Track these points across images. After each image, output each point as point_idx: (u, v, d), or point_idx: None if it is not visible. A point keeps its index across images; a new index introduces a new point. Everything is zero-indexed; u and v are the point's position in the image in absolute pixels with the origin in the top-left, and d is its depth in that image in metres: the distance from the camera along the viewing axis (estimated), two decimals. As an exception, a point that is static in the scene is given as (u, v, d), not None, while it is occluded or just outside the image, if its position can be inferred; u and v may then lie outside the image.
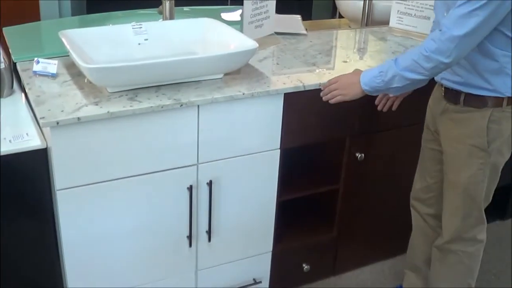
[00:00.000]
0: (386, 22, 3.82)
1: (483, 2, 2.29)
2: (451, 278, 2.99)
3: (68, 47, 2.54)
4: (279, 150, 2.88)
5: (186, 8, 3.90)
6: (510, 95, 2.55)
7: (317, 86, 2.80)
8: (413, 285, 3.30)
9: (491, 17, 2.34)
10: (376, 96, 2.87)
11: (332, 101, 2.74)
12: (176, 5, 3.14)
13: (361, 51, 3.50)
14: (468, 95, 2.60)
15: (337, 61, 3.18)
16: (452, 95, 2.67)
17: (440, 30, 2.41)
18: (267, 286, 3.25)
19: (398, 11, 3.75)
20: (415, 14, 3.69)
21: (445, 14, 2.55)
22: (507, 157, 2.73)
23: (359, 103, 2.90)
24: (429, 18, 3.65)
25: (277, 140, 2.85)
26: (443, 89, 2.72)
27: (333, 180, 3.23)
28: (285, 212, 3.15)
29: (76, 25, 3.72)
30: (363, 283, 3.53)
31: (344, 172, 3.19)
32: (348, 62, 3.15)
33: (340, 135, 3.09)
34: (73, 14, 4.63)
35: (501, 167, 2.75)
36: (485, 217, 2.85)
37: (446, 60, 2.40)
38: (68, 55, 2.57)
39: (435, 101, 2.83)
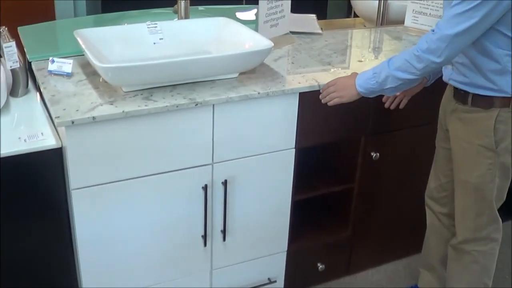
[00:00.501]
0: (401, 22, 3.81)
1: (477, 2, 2.30)
2: (467, 278, 2.98)
3: (83, 46, 2.54)
4: (294, 150, 2.87)
5: (201, 8, 3.90)
6: None
7: (333, 86, 2.79)
8: (428, 284, 3.30)
9: (485, 18, 2.34)
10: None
11: (330, 103, 2.75)
12: (191, 4, 3.14)
13: (376, 50, 3.49)
14: (475, 95, 2.61)
15: (352, 60, 3.18)
16: (460, 95, 2.68)
17: (433, 30, 2.43)
18: (282, 286, 3.25)
19: (413, 10, 3.74)
20: (430, 14, 3.68)
21: None
22: None
23: (373, 103, 2.91)
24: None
25: (292, 140, 2.84)
26: (452, 89, 2.73)
27: (348, 179, 3.23)
28: (300, 211, 3.14)
29: (91, 25, 3.72)
30: (378, 283, 3.52)
31: (359, 172, 3.19)
32: (363, 62, 3.14)
33: (355, 135, 3.08)
34: (88, 14, 4.64)
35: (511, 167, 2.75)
36: (499, 216, 2.85)
37: (437, 60, 2.42)
38: (83, 55, 2.57)
39: (446, 100, 2.83)
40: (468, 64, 2.57)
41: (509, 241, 3.63)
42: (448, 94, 2.82)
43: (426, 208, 3.20)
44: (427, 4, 3.68)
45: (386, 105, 2.96)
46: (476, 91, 2.60)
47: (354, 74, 2.73)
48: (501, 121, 2.60)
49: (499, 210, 2.84)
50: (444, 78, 2.76)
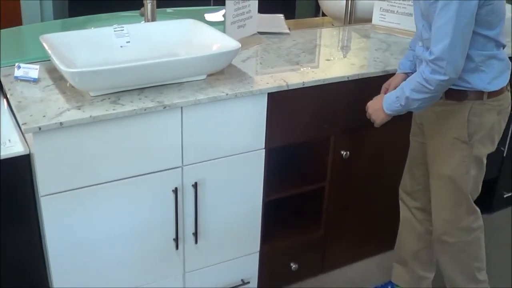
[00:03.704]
0: (369, 20, 3.82)
1: (451, 13, 2.38)
2: (458, 266, 3.04)
3: (49, 51, 2.52)
4: (264, 150, 2.87)
5: (169, 10, 3.89)
6: (488, 91, 2.63)
7: (301, 85, 2.81)
8: (401, 278, 3.34)
9: (468, 20, 2.41)
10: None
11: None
12: (159, 6, 3.13)
13: (345, 49, 3.50)
14: (449, 89, 2.65)
15: (321, 59, 3.18)
16: None
17: (430, 51, 2.49)
18: (256, 286, 3.24)
19: (380, 8, 3.75)
20: (397, 11, 3.70)
21: (420, 17, 2.66)
22: (491, 149, 2.79)
23: (343, 101, 2.92)
24: (411, 14, 3.64)
25: (261, 140, 2.84)
26: None
27: (319, 179, 3.23)
28: (272, 211, 3.14)
29: (58, 29, 3.70)
30: (351, 280, 3.53)
31: (329, 170, 3.19)
32: (332, 60, 3.14)
33: (324, 134, 3.08)
34: (55, 17, 4.61)
35: (485, 159, 2.80)
36: (476, 207, 2.89)
37: (444, 78, 2.48)
38: (50, 60, 2.55)
39: None
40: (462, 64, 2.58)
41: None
42: None
43: (400, 202, 3.23)
44: (394, 2, 3.70)
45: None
46: (450, 87, 2.64)
47: (380, 98, 2.80)
48: (475, 113, 2.66)
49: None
50: None
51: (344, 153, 3.14)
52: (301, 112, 2.90)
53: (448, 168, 2.79)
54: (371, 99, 2.94)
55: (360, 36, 3.66)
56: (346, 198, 3.37)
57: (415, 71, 2.80)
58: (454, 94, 2.67)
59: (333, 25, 4.19)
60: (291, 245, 3.32)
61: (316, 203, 3.33)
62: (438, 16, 2.43)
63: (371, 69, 3.05)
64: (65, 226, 2.52)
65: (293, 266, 3.33)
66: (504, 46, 2.67)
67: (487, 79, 2.63)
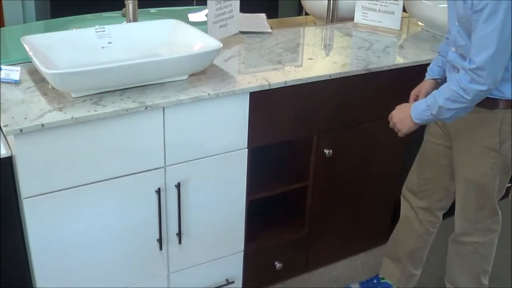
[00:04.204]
0: (351, 18, 3.84)
1: (497, 17, 2.33)
2: (468, 266, 3.08)
3: (30, 53, 2.51)
4: (246, 150, 2.87)
5: (152, 10, 3.89)
6: None
7: (283, 85, 2.81)
8: (391, 274, 3.36)
9: (507, 29, 2.35)
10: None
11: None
12: (142, 6, 3.13)
13: (327, 47, 3.50)
14: None
15: (303, 58, 3.18)
16: None
17: (469, 60, 2.45)
18: (240, 286, 3.24)
19: (362, 7, 3.77)
20: (379, 9, 3.71)
21: (456, 23, 2.60)
22: None
23: (325, 100, 2.93)
24: (393, 13, 3.68)
25: (244, 140, 2.84)
26: None
27: (302, 177, 3.24)
28: (256, 211, 3.15)
29: (40, 30, 3.69)
30: (336, 278, 3.54)
31: (312, 169, 3.20)
32: (314, 59, 3.15)
33: (307, 132, 3.09)
34: (37, 18, 4.59)
35: None
36: (498, 209, 2.93)
37: (483, 88, 2.45)
38: (32, 61, 2.54)
39: None
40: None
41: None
42: None
43: (402, 200, 3.24)
44: (376, 1, 3.71)
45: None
46: None
47: (406, 106, 2.78)
48: (505, 123, 2.66)
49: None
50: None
51: (327, 151, 3.14)
52: (284, 111, 2.91)
53: (477, 174, 2.81)
54: (354, 97, 2.96)
55: (342, 35, 3.67)
56: (330, 197, 3.37)
57: (444, 77, 2.82)
58: (485, 102, 2.61)
59: (315, 24, 4.20)
60: (275, 245, 3.33)
61: (300, 202, 3.34)
62: (483, 25, 2.37)
63: (353, 68, 3.05)
64: (48, 228, 2.51)
65: (278, 265, 3.34)
66: None
67: None
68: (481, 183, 2.82)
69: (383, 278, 3.41)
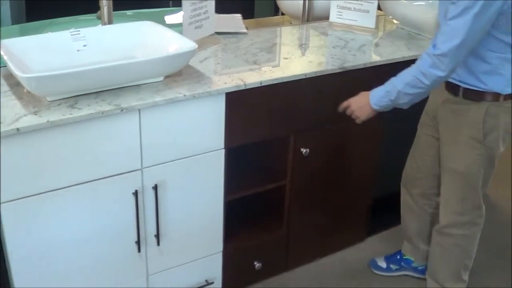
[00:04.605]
0: (327, 18, 3.85)
1: (469, 16, 2.44)
2: (448, 259, 3.19)
3: (4, 57, 2.50)
4: (223, 150, 2.87)
5: (129, 12, 3.88)
6: (505, 93, 2.71)
7: (259, 84, 2.81)
8: (410, 251, 3.55)
9: (482, 26, 2.48)
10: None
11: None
12: (118, 9, 3.12)
13: (303, 47, 3.51)
14: (466, 89, 2.76)
15: (278, 58, 3.19)
16: (451, 87, 2.84)
17: (434, 45, 2.56)
18: (220, 286, 3.25)
19: (337, 6, 3.78)
20: (354, 8, 3.73)
21: (443, 19, 2.66)
22: (503, 148, 2.89)
23: (301, 99, 2.94)
24: (368, 11, 3.69)
25: (221, 140, 2.85)
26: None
27: (280, 177, 3.24)
28: (234, 211, 3.16)
29: (16, 34, 3.67)
30: (315, 277, 3.55)
31: (290, 168, 3.21)
32: (290, 59, 3.16)
33: (284, 132, 3.10)
34: (13, 23, 4.57)
35: (497, 156, 2.90)
36: (482, 203, 3.02)
37: (442, 74, 2.58)
38: (6, 66, 2.54)
39: (438, 90, 2.94)
40: (460, 64, 2.69)
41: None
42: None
43: (402, 189, 3.40)
44: (351, 0, 3.72)
45: None
46: (467, 86, 2.75)
47: (365, 94, 2.85)
48: (490, 114, 2.75)
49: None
50: None
51: (304, 150, 3.15)
52: (260, 111, 2.92)
53: (462, 165, 2.90)
54: (330, 96, 2.97)
55: (318, 34, 3.68)
56: (308, 195, 3.38)
57: None
58: (471, 94, 2.76)
59: (291, 23, 4.21)
60: (254, 244, 3.33)
61: (278, 201, 3.34)
62: (456, 16, 2.47)
63: (329, 66, 3.06)
64: (26, 232, 2.50)
65: (257, 265, 3.34)
66: None
67: (504, 82, 2.70)
68: (466, 174, 2.90)
69: (404, 255, 3.57)
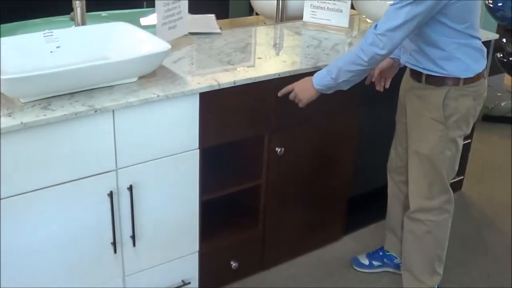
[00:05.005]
0: (300, 17, 3.86)
1: (409, 1, 2.57)
2: (421, 248, 3.23)
3: (-23, 59, 2.50)
4: (198, 150, 2.88)
5: (104, 14, 3.87)
6: (465, 77, 2.81)
7: (232, 84, 2.82)
8: (392, 246, 3.56)
9: (417, 15, 2.60)
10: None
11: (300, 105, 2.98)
12: (93, 10, 3.12)
13: (277, 46, 3.52)
14: (428, 75, 2.87)
15: (252, 57, 3.20)
16: (415, 74, 2.97)
17: (376, 25, 2.67)
18: (197, 286, 3.24)
19: (311, 5, 3.79)
20: (328, 8, 3.75)
21: None
22: (466, 131, 2.99)
23: (275, 99, 2.94)
24: (341, 10, 3.70)
25: (195, 140, 2.85)
26: (409, 69, 2.99)
27: (255, 176, 3.25)
28: (210, 211, 3.16)
29: (-11, 36, 3.66)
30: (292, 275, 3.56)
31: (265, 168, 3.21)
32: (263, 58, 3.17)
33: (258, 131, 3.10)
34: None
35: (461, 140, 3.00)
36: (450, 188, 3.10)
37: (381, 52, 2.69)
38: (-21, 68, 2.52)
39: (405, 79, 3.13)
40: (419, 52, 2.88)
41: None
42: (407, 73, 3.13)
43: (388, 176, 3.45)
44: (324, -1, 3.76)
45: (378, 88, 3.25)
46: (428, 72, 2.86)
47: (308, 78, 2.91)
48: (451, 98, 2.87)
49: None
50: (402, 61, 3.08)
51: (279, 150, 3.16)
52: (234, 111, 2.92)
53: (425, 147, 2.98)
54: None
55: (292, 34, 3.69)
56: (284, 194, 3.39)
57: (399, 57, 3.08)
58: (433, 80, 2.89)
59: (265, 23, 4.22)
60: (230, 244, 3.33)
61: (253, 200, 3.35)
62: (397, 2, 2.62)
63: (303, 66, 3.08)
64: (0, 234, 2.49)
65: (233, 264, 3.34)
66: (479, 39, 2.85)
67: (463, 66, 2.83)
68: (429, 156, 2.98)
69: (387, 251, 3.59)
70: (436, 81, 2.87)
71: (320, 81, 2.86)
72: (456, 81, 2.84)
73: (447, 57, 2.80)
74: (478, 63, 2.88)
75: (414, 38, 2.83)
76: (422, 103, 2.95)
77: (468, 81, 2.85)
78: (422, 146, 2.99)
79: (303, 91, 2.91)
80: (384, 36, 2.64)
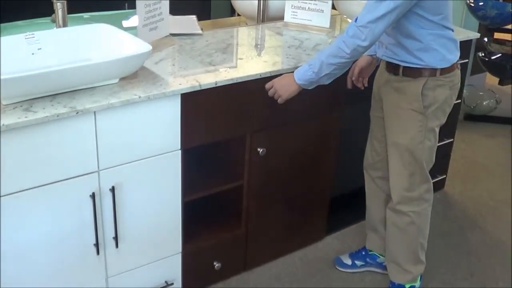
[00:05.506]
0: (282, 18, 3.87)
1: None
2: (405, 239, 3.26)
3: (-43, 62, 2.49)
4: (180, 151, 2.88)
5: (86, 15, 3.86)
6: (442, 67, 2.91)
7: (214, 85, 2.83)
8: (374, 244, 3.59)
9: (399, 6, 2.66)
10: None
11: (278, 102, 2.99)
12: (74, 12, 3.11)
13: (258, 47, 3.53)
14: (406, 67, 2.92)
15: (233, 58, 3.20)
16: (392, 67, 3.02)
17: (357, 18, 2.72)
18: (180, 287, 3.25)
19: (292, 6, 3.80)
20: (309, 8, 3.76)
21: None
22: (443, 120, 3.06)
23: (256, 99, 2.95)
24: (322, 11, 3.72)
25: (177, 141, 2.85)
26: (385, 63, 3.03)
27: (237, 177, 3.26)
28: (192, 212, 3.16)
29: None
30: (275, 276, 3.57)
31: (247, 168, 3.22)
32: (245, 59, 3.18)
33: (240, 132, 3.11)
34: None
35: (438, 129, 3.04)
36: (429, 177, 3.14)
37: (363, 43, 2.73)
38: (-40, 70, 2.52)
39: (379, 74, 3.17)
40: (397, 44, 2.93)
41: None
42: (381, 68, 3.17)
43: (365, 174, 3.47)
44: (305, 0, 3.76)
45: (359, 85, 3.27)
46: (406, 64, 2.91)
47: (288, 74, 2.93)
48: (429, 88, 2.93)
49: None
50: (378, 55, 3.11)
51: (261, 150, 3.17)
52: (216, 112, 2.93)
53: (405, 137, 3.02)
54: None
55: (273, 34, 3.70)
56: (266, 195, 3.40)
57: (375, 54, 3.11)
58: (410, 71, 2.94)
59: (247, 24, 4.22)
60: (213, 245, 3.34)
61: (236, 201, 3.35)
62: None
63: (284, 66, 3.09)
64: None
65: (216, 265, 3.35)
66: (452, 30, 2.92)
67: (439, 57, 2.89)
68: (409, 147, 3.02)
69: (370, 250, 3.61)
70: (413, 72, 2.92)
71: (302, 76, 2.88)
72: (433, 71, 2.91)
73: (424, 48, 2.86)
74: (453, 53, 2.95)
75: (391, 31, 2.88)
76: (400, 95, 2.99)
77: (444, 71, 2.92)
78: (402, 137, 3.03)
79: (283, 87, 2.93)
80: (366, 28, 2.69)
